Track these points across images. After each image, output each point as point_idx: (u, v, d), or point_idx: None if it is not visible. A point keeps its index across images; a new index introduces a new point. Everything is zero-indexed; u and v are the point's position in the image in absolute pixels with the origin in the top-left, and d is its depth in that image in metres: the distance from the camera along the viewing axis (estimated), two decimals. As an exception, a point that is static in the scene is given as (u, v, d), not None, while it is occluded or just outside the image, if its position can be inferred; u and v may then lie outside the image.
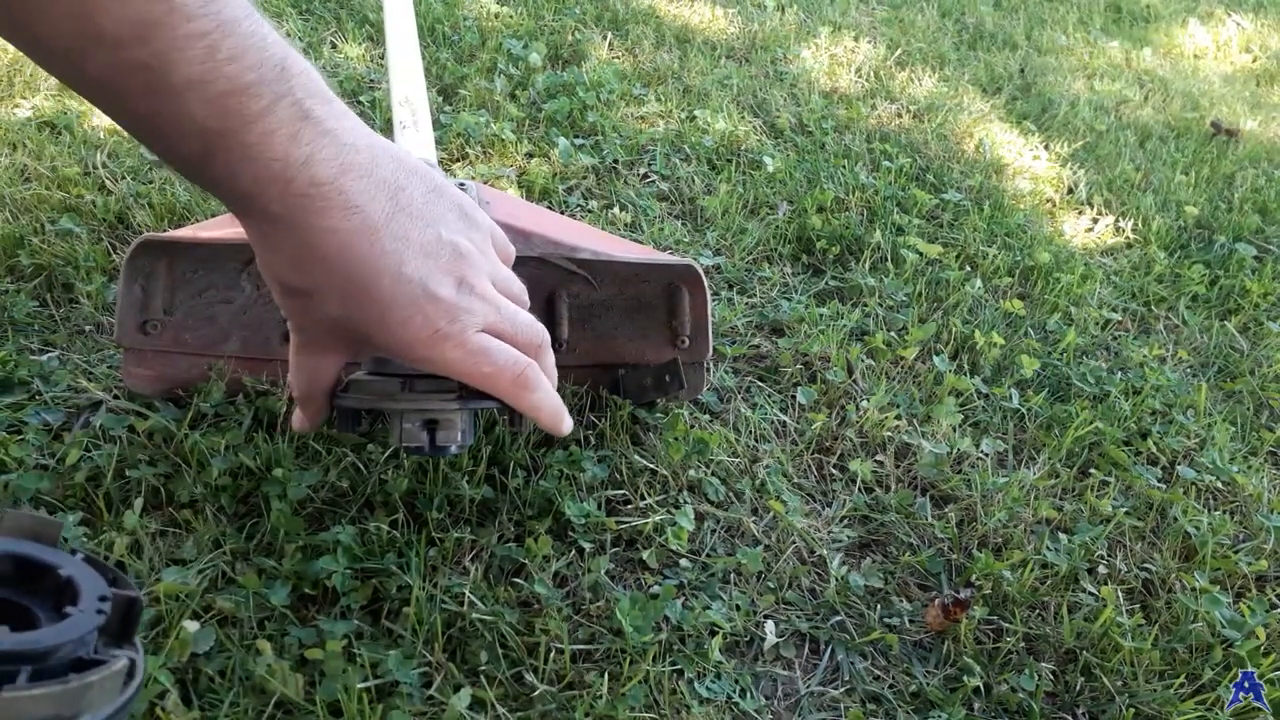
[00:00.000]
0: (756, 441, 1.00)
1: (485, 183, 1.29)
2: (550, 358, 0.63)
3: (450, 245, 0.54)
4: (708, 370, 0.95)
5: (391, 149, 0.54)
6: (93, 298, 0.98)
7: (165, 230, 1.08)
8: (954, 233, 1.44)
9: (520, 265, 0.82)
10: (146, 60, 0.44)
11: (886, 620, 0.84)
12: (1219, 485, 1.07)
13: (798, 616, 0.83)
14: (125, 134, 1.27)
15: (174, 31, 0.43)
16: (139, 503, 0.77)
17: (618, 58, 1.76)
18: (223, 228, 0.85)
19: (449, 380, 0.61)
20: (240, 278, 0.86)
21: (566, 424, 0.64)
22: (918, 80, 1.95)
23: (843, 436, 1.02)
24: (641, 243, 1.25)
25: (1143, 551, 0.96)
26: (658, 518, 0.87)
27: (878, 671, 0.80)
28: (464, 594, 0.76)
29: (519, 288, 0.62)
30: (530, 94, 1.55)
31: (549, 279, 0.89)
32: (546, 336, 0.62)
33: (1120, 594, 0.90)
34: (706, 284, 0.89)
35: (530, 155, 1.39)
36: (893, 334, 1.19)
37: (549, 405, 0.61)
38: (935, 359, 1.15)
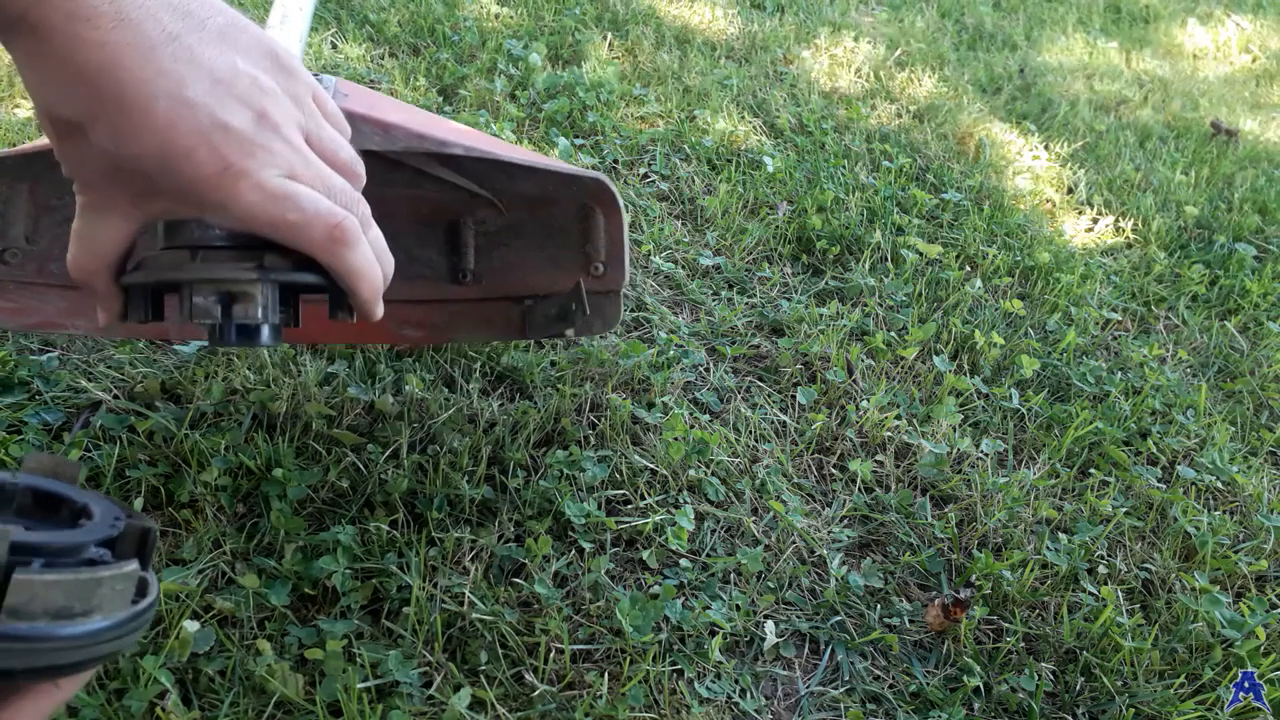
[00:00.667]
0: (756, 441, 1.00)
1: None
2: (376, 231, 0.52)
3: (249, 76, 0.47)
4: (623, 300, 0.86)
5: None
6: (93, 298, 0.98)
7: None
8: (954, 233, 1.44)
9: (403, 201, 0.74)
10: None
11: (886, 620, 0.84)
12: (1219, 485, 1.07)
13: (798, 616, 0.83)
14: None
15: None
16: (139, 502, 0.77)
17: (618, 58, 1.76)
18: None
19: (251, 252, 0.52)
20: None
21: (380, 309, 0.53)
22: (917, 80, 1.95)
23: (843, 436, 1.02)
24: (641, 242, 1.25)
25: (1143, 551, 0.96)
26: (658, 518, 0.87)
27: (878, 671, 0.80)
28: (464, 594, 0.76)
29: (349, 155, 0.52)
30: (530, 94, 1.55)
31: (453, 204, 0.81)
32: (365, 209, 0.52)
33: (1120, 594, 0.90)
34: (622, 203, 0.80)
35: (530, 155, 1.39)
36: (893, 334, 1.19)
37: (371, 271, 0.51)
38: (935, 359, 1.15)
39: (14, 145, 1.15)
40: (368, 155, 0.60)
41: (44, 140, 0.78)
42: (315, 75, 0.71)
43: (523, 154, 0.84)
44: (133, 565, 0.38)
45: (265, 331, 0.53)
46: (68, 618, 0.34)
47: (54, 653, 0.34)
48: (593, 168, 1.40)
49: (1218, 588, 0.92)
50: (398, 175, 0.78)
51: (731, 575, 0.85)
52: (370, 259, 0.51)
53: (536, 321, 0.86)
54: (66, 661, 0.34)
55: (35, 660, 0.33)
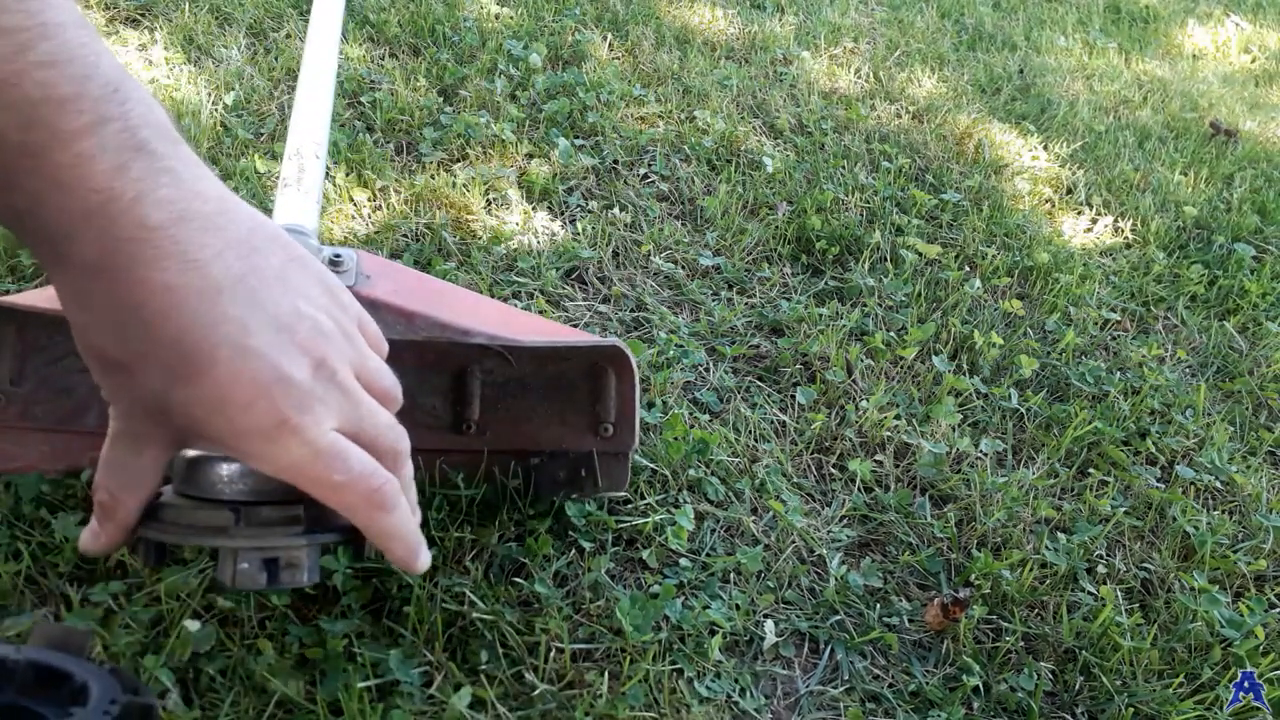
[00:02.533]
0: (756, 441, 1.00)
1: (487, 183, 1.30)
2: (409, 470, 0.52)
3: (310, 320, 0.45)
4: (630, 463, 0.85)
5: (249, 209, 0.45)
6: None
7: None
8: (953, 233, 1.44)
9: (414, 346, 0.73)
10: None
11: (886, 619, 0.85)
12: (1218, 485, 1.07)
13: (797, 616, 0.83)
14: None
15: None
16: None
17: (618, 58, 1.76)
18: None
19: (291, 504, 0.51)
20: None
21: (423, 560, 0.51)
22: (917, 81, 1.95)
23: (842, 436, 1.02)
24: (641, 242, 1.26)
25: (1142, 551, 0.96)
26: (658, 517, 0.87)
27: (877, 671, 0.81)
28: (464, 593, 0.76)
29: (390, 383, 0.52)
30: (530, 94, 1.55)
31: (459, 353, 0.79)
32: (407, 445, 0.51)
33: (1119, 593, 0.90)
34: (635, 366, 0.79)
35: (530, 156, 1.40)
36: (892, 334, 1.19)
37: (405, 532, 0.49)
38: (934, 359, 1.16)
39: None
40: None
41: (35, 294, 0.76)
42: (336, 254, 0.72)
43: (542, 327, 0.84)
44: None
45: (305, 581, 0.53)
46: None
47: None
48: (593, 169, 1.40)
49: (1217, 587, 0.92)
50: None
51: (731, 575, 0.85)
52: (405, 520, 0.50)
53: (543, 482, 0.84)
54: None
55: None
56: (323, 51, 0.90)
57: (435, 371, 0.80)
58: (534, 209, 1.29)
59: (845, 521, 0.94)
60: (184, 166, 0.42)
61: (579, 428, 0.82)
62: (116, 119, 0.40)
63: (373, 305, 0.70)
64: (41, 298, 0.74)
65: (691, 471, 0.93)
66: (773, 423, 1.03)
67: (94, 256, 0.40)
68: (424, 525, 0.80)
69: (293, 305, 0.44)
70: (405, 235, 1.19)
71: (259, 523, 0.51)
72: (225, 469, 0.51)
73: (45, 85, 0.38)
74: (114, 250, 0.40)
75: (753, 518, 0.91)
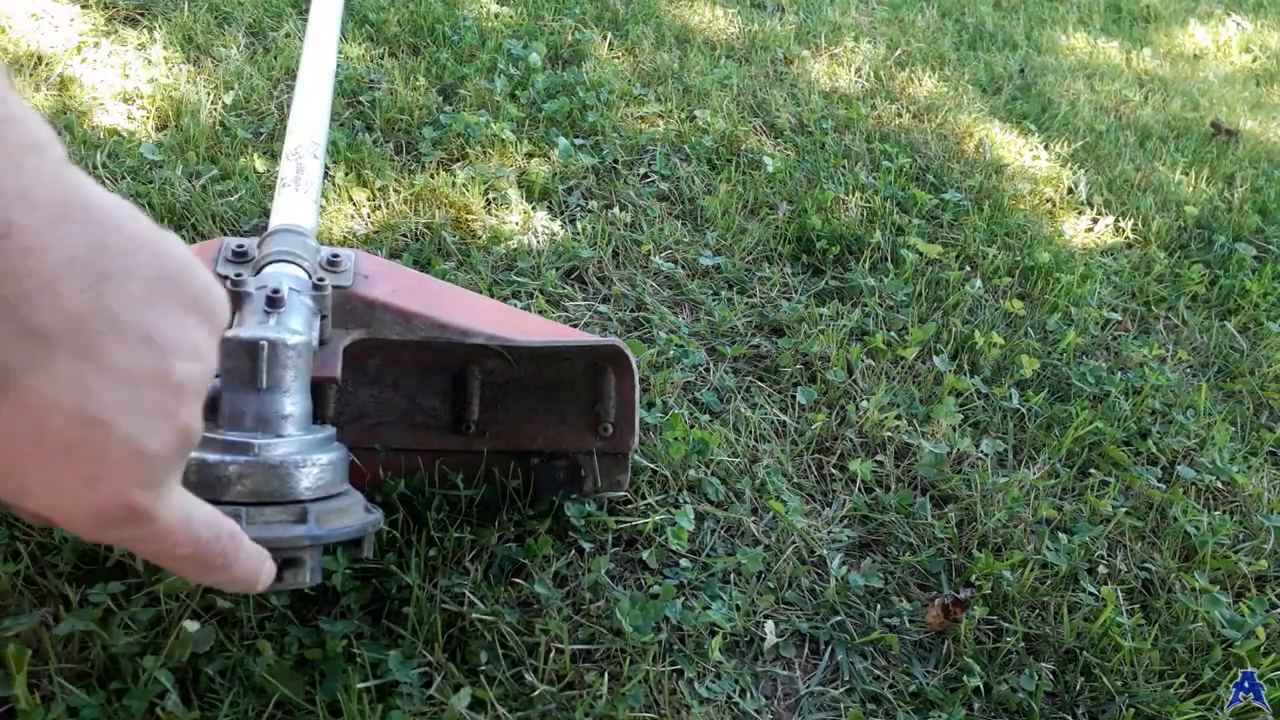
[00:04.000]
0: (756, 441, 1.00)
1: (486, 183, 1.30)
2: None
3: (180, 376, 0.34)
4: (630, 462, 0.85)
5: (105, 210, 0.32)
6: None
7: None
8: (954, 233, 1.44)
9: (414, 346, 0.73)
10: None
11: (886, 620, 0.84)
12: (1219, 485, 1.07)
13: (798, 616, 0.83)
14: (126, 134, 1.27)
15: None
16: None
17: (618, 58, 1.76)
18: None
19: (294, 504, 0.50)
20: None
21: (265, 578, 0.44)
22: (918, 80, 1.95)
23: (843, 436, 1.02)
24: (641, 242, 1.25)
25: (1143, 551, 0.96)
26: (658, 518, 0.87)
27: (878, 671, 0.80)
28: (464, 594, 0.76)
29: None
30: (530, 94, 1.55)
31: (459, 353, 0.79)
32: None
33: (1120, 594, 0.90)
34: (635, 365, 0.79)
35: (530, 155, 1.39)
36: (893, 334, 1.19)
37: (246, 572, 0.42)
38: (935, 359, 1.15)
39: None
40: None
41: None
42: (334, 254, 0.71)
43: (541, 327, 0.83)
44: None
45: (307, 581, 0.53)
46: None
47: None
48: (592, 168, 1.40)
49: (1218, 588, 0.92)
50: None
51: (731, 575, 0.85)
52: (249, 558, 0.42)
53: (542, 484, 0.84)
54: None
55: None
56: (321, 51, 0.89)
57: (435, 372, 0.80)
58: (534, 209, 1.28)
59: (846, 522, 0.93)
60: (4, 156, 0.29)
61: (579, 428, 0.82)
62: None
63: (371, 306, 0.70)
64: None
65: (691, 471, 0.92)
66: (773, 423, 1.03)
67: None
68: (424, 526, 0.80)
69: (156, 353, 0.33)
70: (405, 235, 1.19)
71: (262, 523, 0.50)
72: (229, 469, 0.51)
73: None
74: None
75: (753, 518, 0.91)
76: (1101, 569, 0.93)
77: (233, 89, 1.39)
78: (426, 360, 0.79)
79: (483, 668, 0.71)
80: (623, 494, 0.87)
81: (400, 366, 0.81)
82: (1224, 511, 1.04)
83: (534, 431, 0.82)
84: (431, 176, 1.29)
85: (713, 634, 0.78)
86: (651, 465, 0.92)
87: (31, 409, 0.31)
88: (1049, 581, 0.90)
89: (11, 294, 0.29)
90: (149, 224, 0.34)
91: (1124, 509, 1.00)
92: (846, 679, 0.79)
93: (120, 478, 0.33)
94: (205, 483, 0.51)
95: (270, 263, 0.66)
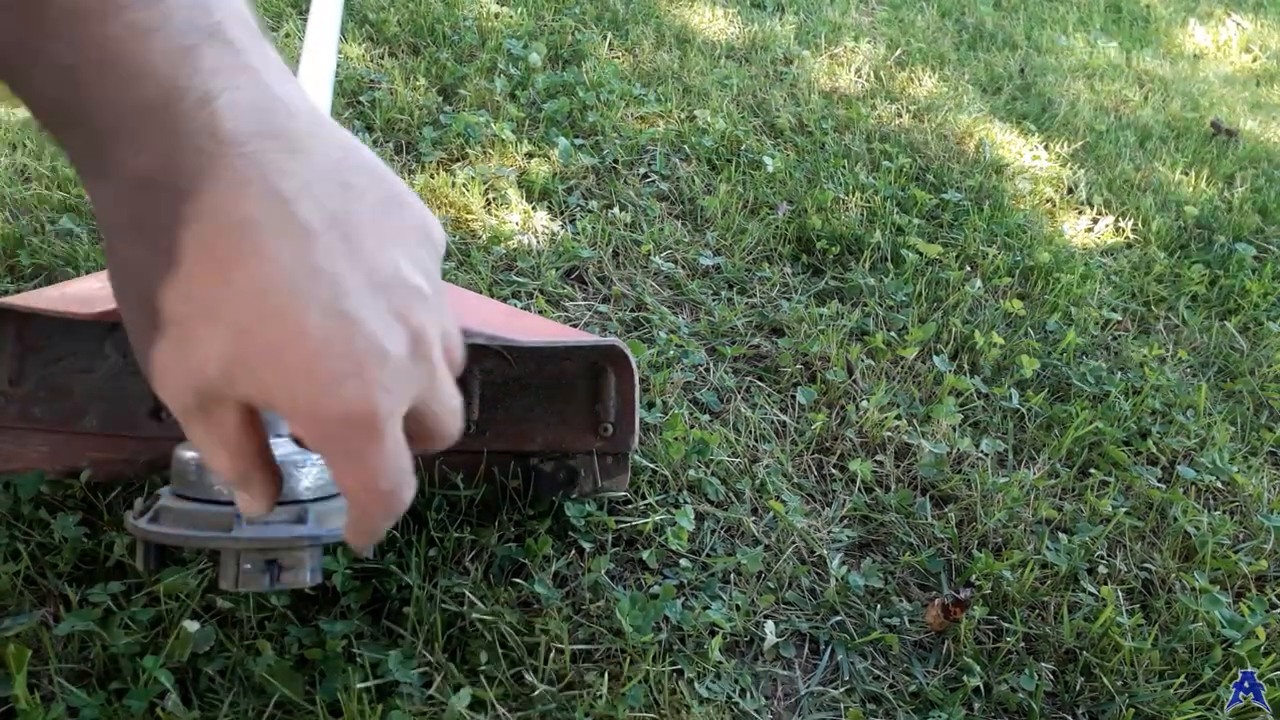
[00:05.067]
0: (756, 441, 1.00)
1: (486, 183, 1.30)
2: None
3: (410, 284, 0.36)
4: (630, 463, 0.85)
5: (339, 131, 0.36)
6: (93, 298, 0.98)
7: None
8: (954, 233, 1.44)
9: None
10: None
11: (886, 620, 0.84)
12: (1219, 485, 1.07)
13: (798, 616, 0.83)
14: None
15: None
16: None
17: (618, 58, 1.76)
18: (87, 293, 0.71)
19: (294, 504, 0.49)
20: (104, 345, 0.75)
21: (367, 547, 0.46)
22: (918, 80, 1.95)
23: (843, 436, 1.02)
24: (641, 242, 1.25)
25: (1143, 551, 0.96)
26: (658, 518, 0.87)
27: (878, 671, 0.80)
28: (464, 594, 0.76)
29: (462, 352, 0.42)
30: (530, 94, 1.55)
31: None
32: (460, 425, 0.43)
33: (1120, 594, 0.90)
34: (635, 365, 0.78)
35: (530, 155, 1.39)
36: (893, 334, 1.19)
37: (383, 530, 0.42)
38: (935, 359, 1.15)
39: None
40: None
41: (33, 294, 0.73)
42: None
43: (542, 327, 0.83)
44: None
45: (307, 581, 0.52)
46: None
47: None
48: (592, 168, 1.40)
49: (1218, 588, 0.92)
50: None
51: (731, 575, 0.85)
52: (384, 525, 0.41)
53: (543, 485, 0.84)
54: None
55: None
56: (320, 52, 0.89)
57: None
58: (534, 209, 1.28)
59: (846, 522, 0.93)
60: (267, 66, 0.33)
61: (579, 427, 0.82)
62: None
63: None
64: (40, 299, 0.74)
65: (691, 472, 0.92)
66: (773, 423, 1.03)
67: (147, 167, 0.31)
68: (424, 526, 0.80)
69: (392, 261, 0.36)
70: (405, 235, 1.19)
71: (262, 523, 0.50)
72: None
73: None
74: (176, 162, 0.31)
75: (753, 518, 0.91)
76: (1101, 569, 0.93)
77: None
78: None
79: (483, 668, 0.72)
80: (623, 494, 0.87)
81: None
82: (1224, 511, 1.04)
83: (534, 431, 0.82)
84: (431, 176, 1.29)
85: (713, 634, 0.78)
86: (651, 465, 0.92)
87: (295, 308, 0.33)
88: (1049, 581, 0.90)
89: (281, 189, 0.32)
90: (373, 154, 0.37)
91: (1124, 509, 1.00)
92: (846, 679, 0.79)
93: (367, 377, 0.34)
94: (205, 482, 0.51)
95: None
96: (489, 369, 0.81)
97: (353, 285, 0.34)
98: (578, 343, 0.80)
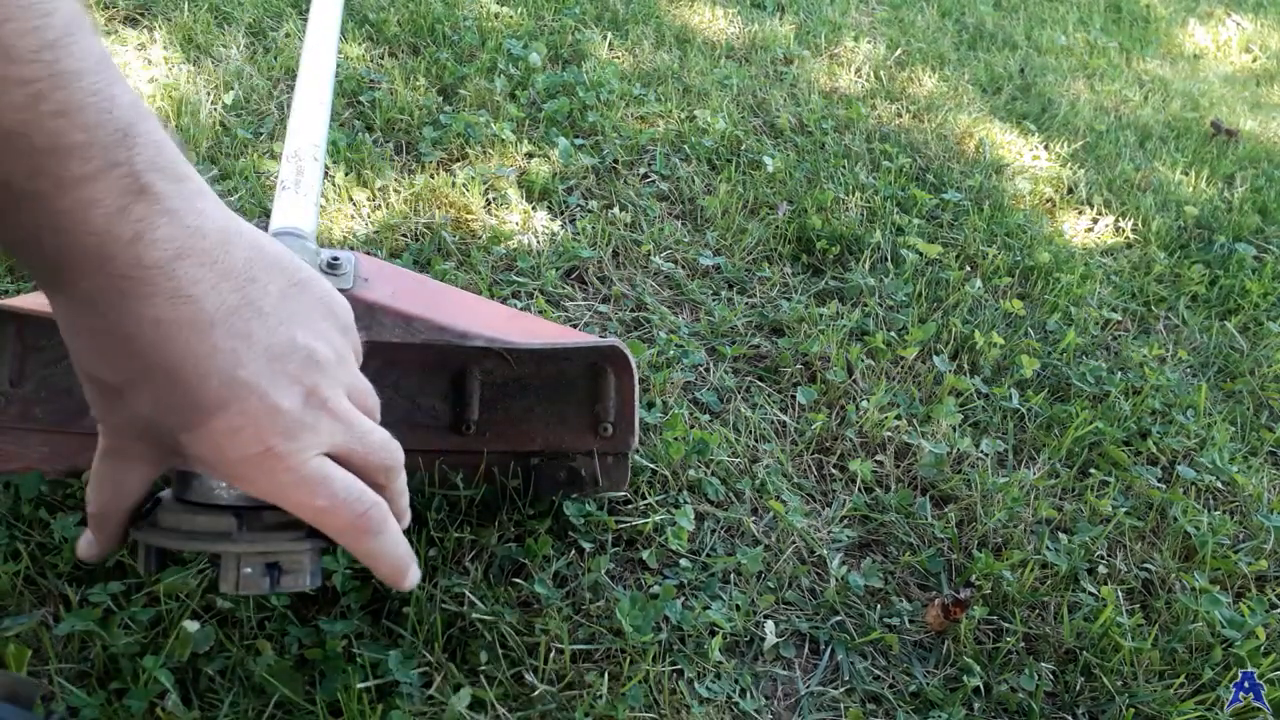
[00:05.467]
0: (756, 441, 1.00)
1: (486, 183, 1.30)
2: (402, 481, 0.53)
3: (305, 351, 0.46)
4: (630, 462, 0.85)
5: (252, 236, 0.45)
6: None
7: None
8: (954, 233, 1.44)
9: (414, 348, 0.72)
10: None
11: (886, 620, 0.84)
12: (1219, 485, 1.07)
13: (798, 616, 0.83)
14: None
15: None
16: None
17: (618, 58, 1.76)
18: None
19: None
20: None
21: (411, 578, 0.53)
22: (918, 80, 1.95)
23: (843, 436, 1.02)
24: (641, 242, 1.25)
25: (1143, 551, 0.96)
26: (658, 518, 0.87)
27: (878, 671, 0.80)
28: (464, 594, 0.76)
29: (373, 400, 0.52)
30: (530, 94, 1.55)
31: (459, 354, 0.79)
32: (400, 457, 0.52)
33: (1120, 594, 0.90)
34: (634, 365, 0.79)
35: (530, 155, 1.39)
36: (893, 334, 1.19)
37: (390, 554, 0.51)
38: (935, 359, 1.15)
39: None
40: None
41: (35, 296, 0.74)
42: (334, 257, 0.72)
43: (541, 329, 0.83)
44: None
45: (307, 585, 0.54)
46: None
47: None
48: (592, 168, 1.40)
49: (1218, 588, 0.92)
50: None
51: (731, 575, 0.85)
52: (391, 543, 0.51)
53: (543, 485, 0.84)
54: None
55: None
56: (321, 52, 0.89)
57: (435, 373, 0.80)
58: (534, 209, 1.28)
59: (846, 522, 0.93)
60: (185, 204, 0.42)
61: (578, 428, 0.82)
62: (122, 163, 0.41)
63: (370, 308, 0.70)
64: (41, 300, 0.73)
65: (691, 472, 0.92)
66: (773, 423, 1.03)
67: (89, 290, 0.41)
68: (424, 526, 0.80)
69: (288, 336, 0.45)
70: (405, 235, 1.19)
71: (261, 527, 0.51)
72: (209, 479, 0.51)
73: (55, 134, 0.39)
74: (108, 286, 0.41)
75: (753, 518, 0.91)
76: (1101, 569, 0.93)
77: (233, 89, 1.39)
78: (426, 361, 0.79)
79: (483, 668, 0.72)
80: (623, 494, 0.87)
81: (401, 368, 0.80)
82: (1224, 511, 1.04)
83: (533, 431, 0.82)
84: (431, 176, 1.29)
85: (713, 634, 0.78)
86: (651, 465, 0.92)
87: (197, 378, 0.43)
88: (1049, 581, 0.90)
89: (189, 294, 0.42)
90: (282, 248, 0.47)
91: (1124, 509, 1.00)
92: (846, 679, 0.79)
93: (260, 427, 0.44)
94: (205, 486, 0.51)
95: None
96: (488, 369, 0.81)
97: (248, 358, 0.43)
98: (577, 344, 0.80)
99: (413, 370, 0.79)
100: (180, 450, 0.45)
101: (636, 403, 0.80)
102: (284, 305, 0.45)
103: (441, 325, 0.73)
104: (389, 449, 0.51)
